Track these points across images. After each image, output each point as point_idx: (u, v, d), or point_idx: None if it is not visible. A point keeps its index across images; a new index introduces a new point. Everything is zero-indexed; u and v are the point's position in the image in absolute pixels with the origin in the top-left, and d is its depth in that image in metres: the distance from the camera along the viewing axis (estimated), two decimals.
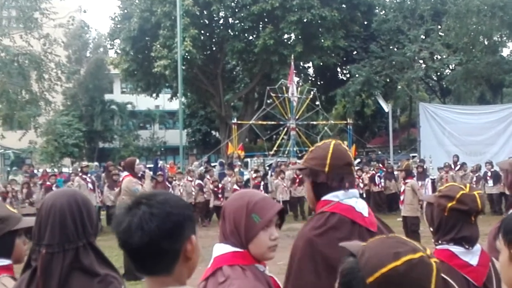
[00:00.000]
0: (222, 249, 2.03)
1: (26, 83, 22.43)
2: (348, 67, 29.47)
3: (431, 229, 2.55)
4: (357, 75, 27.37)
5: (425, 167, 17.15)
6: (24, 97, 22.40)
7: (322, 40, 26.96)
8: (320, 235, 2.31)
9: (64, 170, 25.55)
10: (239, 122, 25.54)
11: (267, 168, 21.11)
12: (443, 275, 2.37)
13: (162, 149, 42.83)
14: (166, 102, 37.70)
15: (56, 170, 24.81)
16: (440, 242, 2.49)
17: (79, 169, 15.78)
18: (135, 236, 1.41)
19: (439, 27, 27.81)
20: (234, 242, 2.02)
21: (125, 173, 8.72)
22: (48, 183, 14.71)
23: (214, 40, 30.48)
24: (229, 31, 29.07)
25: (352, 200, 2.39)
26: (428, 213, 2.56)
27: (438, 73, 32.82)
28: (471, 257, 2.45)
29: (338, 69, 34.45)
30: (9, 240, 2.52)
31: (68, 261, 2.06)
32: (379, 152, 26.49)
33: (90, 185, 14.26)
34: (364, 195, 16.23)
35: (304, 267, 2.32)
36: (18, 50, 21.71)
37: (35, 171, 21.23)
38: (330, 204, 2.39)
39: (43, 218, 2.13)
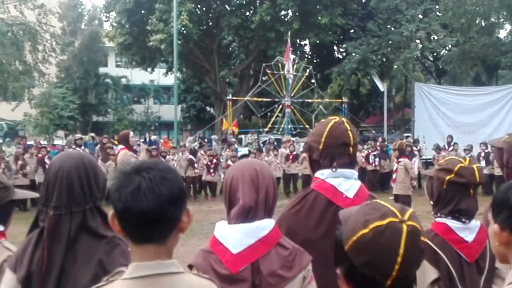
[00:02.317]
0: (267, 224, 2.03)
1: (20, 54, 22.22)
2: (344, 45, 29.31)
3: (431, 202, 2.58)
4: (353, 54, 27.25)
5: (417, 147, 17.22)
6: (18, 68, 22.19)
7: (319, 18, 26.73)
8: (293, 212, 2.34)
9: (58, 142, 25.48)
10: (234, 98, 25.45)
11: (261, 145, 21.14)
12: (434, 247, 2.41)
13: (156, 124, 42.76)
14: (161, 76, 37.47)
15: (48, 142, 24.71)
16: (438, 215, 2.51)
17: (73, 142, 15.74)
18: (145, 198, 1.39)
19: (437, 7, 27.65)
20: (272, 209, 2.07)
21: (120, 146, 8.72)
22: (40, 155, 14.64)
23: (210, 15, 30.20)
24: (226, 6, 28.79)
25: (337, 179, 2.38)
26: (429, 186, 2.58)
27: (434, 54, 32.72)
28: (468, 233, 2.46)
29: (335, 47, 34.27)
30: (9, 209, 2.57)
31: (76, 223, 2.08)
32: (373, 131, 26.52)
33: None
34: (359, 174, 16.27)
35: None
36: (12, 20, 21.43)
37: (28, 142, 21.19)
38: (316, 182, 2.42)
39: (50, 180, 2.14)
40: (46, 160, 14.46)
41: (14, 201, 2.66)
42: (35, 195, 9.20)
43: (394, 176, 11.33)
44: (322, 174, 2.40)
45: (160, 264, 1.44)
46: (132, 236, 1.46)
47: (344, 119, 2.48)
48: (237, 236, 1.97)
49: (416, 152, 16.50)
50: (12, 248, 2.43)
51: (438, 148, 17.33)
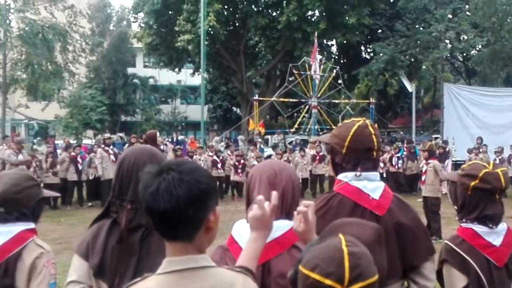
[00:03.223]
0: (284, 225, 2.01)
1: (51, 55, 22.62)
2: (372, 45, 29.05)
3: (455, 207, 2.54)
4: (381, 54, 26.98)
5: (447, 148, 16.96)
6: (49, 68, 22.61)
7: (347, 18, 26.53)
8: (319, 216, 2.27)
9: (87, 142, 25.86)
10: (260, 98, 25.46)
11: (288, 145, 21.10)
12: (462, 253, 2.38)
13: (183, 124, 43.02)
14: (188, 77, 37.68)
15: (77, 142, 25.08)
16: (464, 220, 2.48)
17: (102, 141, 15.96)
18: (162, 200, 1.43)
19: (467, 6, 27.18)
20: (290, 212, 2.01)
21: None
22: (73, 153, 14.92)
23: (237, 15, 30.26)
24: (253, 6, 28.80)
25: (362, 182, 2.35)
26: (452, 191, 2.54)
27: (464, 54, 32.14)
28: (495, 237, 2.43)
29: (362, 48, 34.01)
30: (42, 206, 2.64)
31: None
32: (401, 133, 26.21)
33: (112, 157, 14.41)
34: (384, 175, 16.16)
35: None
36: (42, 22, 21.84)
37: (56, 142, 21.54)
38: (339, 184, 2.40)
39: (125, 173, 2.18)
40: (78, 159, 14.72)
41: (44, 199, 2.73)
42: (57, 194, 9.31)
43: (423, 178, 11.17)
44: (346, 176, 2.38)
45: (191, 258, 1.49)
46: (161, 233, 1.52)
47: (368, 122, 2.44)
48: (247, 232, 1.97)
49: (448, 155, 16.29)
50: (44, 245, 2.49)
51: (476, 149, 16.96)
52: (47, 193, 2.85)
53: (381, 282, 1.63)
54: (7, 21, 21.93)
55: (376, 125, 2.46)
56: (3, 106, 23.38)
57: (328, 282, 1.29)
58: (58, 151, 16.27)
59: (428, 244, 2.37)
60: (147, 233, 2.12)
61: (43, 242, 2.51)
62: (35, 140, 20.49)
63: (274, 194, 1.81)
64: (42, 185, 2.73)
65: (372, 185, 2.36)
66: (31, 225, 2.53)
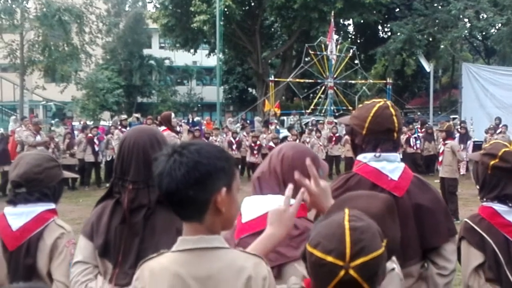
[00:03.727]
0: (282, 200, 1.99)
1: (67, 36, 22.70)
2: (389, 24, 28.68)
3: (477, 187, 2.54)
4: (398, 33, 26.63)
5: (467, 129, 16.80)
6: (65, 50, 22.71)
7: None
8: (337, 196, 2.28)
9: (104, 123, 26.04)
10: (276, 79, 25.36)
11: (304, 126, 21.04)
12: (480, 231, 2.38)
13: (199, 105, 43.05)
14: (204, 58, 37.58)
15: (94, 123, 25.28)
16: (484, 199, 2.47)
17: (119, 123, 16.07)
18: (164, 182, 1.48)
19: None
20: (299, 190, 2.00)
21: (163, 127, 8.82)
22: (90, 135, 15.04)
23: None
24: None
25: (380, 163, 2.34)
26: (474, 171, 2.56)
27: (483, 33, 31.57)
28: None
29: (379, 27, 33.60)
30: (62, 187, 2.67)
31: (154, 197, 2.14)
32: (419, 113, 25.97)
33: None
34: (401, 156, 16.05)
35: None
36: (59, 3, 21.89)
37: (75, 123, 21.74)
38: (358, 165, 2.39)
39: (125, 154, 2.19)
40: (95, 140, 14.85)
41: (64, 179, 2.76)
42: (76, 176, 9.53)
43: (440, 158, 11.09)
44: (365, 157, 2.37)
45: (203, 238, 1.51)
46: (174, 212, 1.56)
47: (389, 103, 2.42)
48: (249, 207, 1.98)
49: (470, 135, 16.14)
50: (65, 226, 2.52)
51: (491, 129, 16.76)
52: (67, 174, 2.88)
53: (396, 253, 1.63)
54: (24, 2, 22.03)
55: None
56: (21, 87, 23.60)
57: (329, 259, 1.31)
58: (75, 132, 16.39)
59: (449, 225, 2.35)
60: (150, 213, 2.14)
61: (63, 223, 2.55)
62: (53, 122, 20.67)
63: (290, 187, 1.78)
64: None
65: (391, 166, 2.35)
66: (52, 206, 2.57)
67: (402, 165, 2.39)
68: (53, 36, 21.99)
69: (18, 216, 2.48)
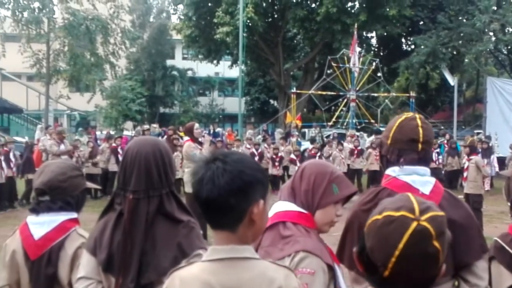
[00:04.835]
0: (286, 206, 2.07)
1: (93, 47, 23.01)
2: (413, 37, 28.48)
3: (508, 204, 2.48)
4: (422, 46, 26.42)
5: (490, 144, 16.51)
6: (90, 60, 23.01)
7: (387, 9, 26.08)
8: (366, 210, 2.27)
9: (126, 133, 26.29)
10: (298, 91, 25.33)
11: (325, 139, 20.95)
12: (506, 246, 2.31)
13: (221, 116, 43.22)
14: (226, 69, 37.81)
15: (117, 133, 25.53)
16: None
17: (141, 133, 16.18)
18: (205, 188, 1.48)
19: None
20: (304, 202, 2.06)
21: (186, 138, 8.86)
22: (113, 144, 15.17)
23: (276, 7, 30.14)
24: None
25: (410, 176, 2.31)
26: (506, 187, 2.49)
27: (509, 47, 31.16)
28: None
29: (403, 40, 33.39)
30: (84, 196, 2.67)
31: (153, 207, 2.14)
32: (442, 127, 25.67)
33: None
34: None
35: (347, 239, 2.36)
36: (85, 13, 22.23)
37: (98, 133, 21.98)
38: (387, 179, 2.36)
39: (128, 164, 2.19)
40: (119, 150, 14.96)
41: (87, 189, 2.76)
42: (99, 187, 9.59)
43: (465, 174, 10.90)
44: (394, 171, 2.35)
45: (234, 248, 1.51)
46: (207, 221, 1.56)
47: (417, 115, 2.41)
48: None
49: (493, 150, 15.88)
50: (86, 235, 2.51)
51: None
52: (90, 185, 2.89)
53: None
54: (51, 11, 22.41)
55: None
56: (46, 96, 23.96)
57: (400, 213, 1.32)
58: (99, 142, 16.56)
59: (481, 242, 2.30)
60: (150, 223, 2.13)
61: (85, 232, 2.54)
62: (78, 130, 20.94)
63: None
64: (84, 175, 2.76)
65: (421, 180, 2.31)
66: (74, 215, 2.56)
67: (433, 179, 2.36)
68: (79, 46, 22.31)
69: (41, 225, 2.48)
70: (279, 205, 2.07)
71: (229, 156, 1.53)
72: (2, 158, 12.66)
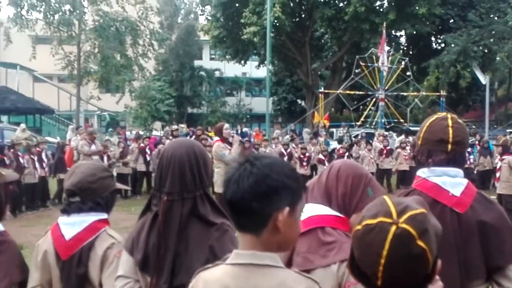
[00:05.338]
0: (321, 209, 2.03)
1: (122, 48, 23.32)
2: (443, 36, 28.08)
3: None
4: (452, 45, 26.03)
5: None
6: (120, 61, 23.32)
7: (417, 8, 25.81)
8: None
9: (155, 133, 26.55)
10: (326, 91, 25.24)
11: (353, 139, 20.79)
12: None
13: (248, 116, 43.30)
14: (253, 69, 37.86)
15: (146, 133, 25.82)
16: None
17: (170, 133, 16.30)
18: (230, 189, 1.48)
19: None
20: (340, 205, 2.02)
21: (216, 138, 8.90)
22: (141, 145, 15.32)
23: (303, 6, 30.08)
24: None
25: (441, 178, 2.25)
26: None
27: None
28: None
29: (432, 38, 32.99)
30: (114, 197, 2.69)
31: (187, 209, 2.15)
32: (473, 127, 25.22)
33: None
34: None
35: None
36: (114, 15, 22.54)
37: (128, 133, 22.25)
38: (417, 181, 2.31)
39: (163, 167, 2.21)
40: (147, 150, 15.11)
41: (117, 189, 2.78)
42: (128, 188, 9.71)
43: (497, 174, 10.68)
44: (423, 172, 2.29)
45: (255, 254, 1.48)
46: (233, 222, 1.56)
47: (449, 115, 2.34)
48: None
49: None
50: (116, 236, 2.53)
51: None
52: (119, 186, 2.91)
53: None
54: (82, 14, 22.79)
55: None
56: (77, 97, 24.37)
57: (377, 220, 1.30)
58: (129, 142, 16.75)
59: None
60: (183, 226, 2.14)
61: (114, 233, 2.56)
62: (109, 130, 21.24)
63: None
64: (115, 175, 2.79)
65: (452, 181, 2.25)
66: (104, 216, 2.58)
67: (465, 181, 2.29)
68: (109, 48, 22.62)
69: (71, 225, 2.50)
70: (312, 209, 2.02)
71: (260, 160, 1.50)
72: (36, 158, 12.92)
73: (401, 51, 33.11)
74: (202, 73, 39.73)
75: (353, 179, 2.06)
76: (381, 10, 27.26)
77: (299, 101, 40.18)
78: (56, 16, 22.51)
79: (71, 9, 22.46)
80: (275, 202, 1.46)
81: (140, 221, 2.27)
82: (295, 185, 1.50)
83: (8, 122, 26.48)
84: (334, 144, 20.68)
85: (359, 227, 1.32)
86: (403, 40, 34.90)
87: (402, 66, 24.04)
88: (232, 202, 1.48)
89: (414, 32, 27.73)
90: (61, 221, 2.54)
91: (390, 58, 24.89)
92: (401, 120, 23.45)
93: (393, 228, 1.26)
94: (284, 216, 1.46)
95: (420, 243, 1.26)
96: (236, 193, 1.46)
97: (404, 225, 1.26)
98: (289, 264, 1.97)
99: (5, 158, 11.85)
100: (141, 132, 21.26)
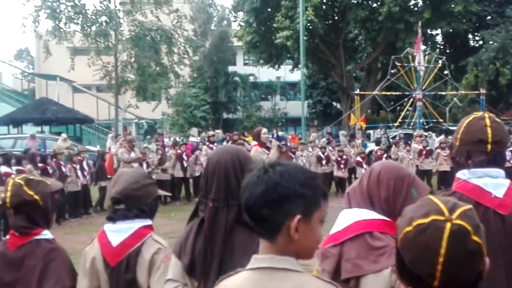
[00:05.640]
0: (367, 214, 2.01)
1: (158, 57, 23.65)
2: (480, 33, 27.46)
3: None
4: (491, 42, 25.44)
5: None
6: (156, 69, 23.65)
7: (453, 5, 25.34)
8: None
9: (192, 139, 26.82)
10: (361, 93, 25.01)
11: (391, 140, 20.53)
12: None
13: (283, 120, 43.26)
14: (287, 73, 37.83)
15: (183, 140, 26.09)
16: None
17: (206, 139, 16.43)
18: (244, 195, 1.49)
19: None
20: (385, 209, 2.00)
21: (254, 142, 8.94)
22: (178, 151, 15.49)
23: (336, 9, 29.94)
24: None
25: (482, 179, 2.20)
26: None
27: None
28: None
29: (470, 36, 32.29)
30: (157, 203, 2.74)
31: (232, 215, 2.17)
32: None
33: None
34: None
35: None
36: (150, 25, 22.90)
37: (166, 140, 22.53)
38: (458, 183, 2.27)
39: (209, 173, 2.25)
40: (184, 156, 15.26)
41: (159, 196, 2.84)
42: (169, 194, 9.84)
43: None
44: (464, 174, 2.25)
45: (273, 258, 1.48)
46: (254, 226, 1.55)
47: (486, 114, 2.30)
48: (338, 220, 2.06)
49: None
50: (161, 241, 2.58)
51: None
52: (161, 192, 2.97)
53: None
54: (118, 24, 23.23)
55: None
56: (116, 106, 24.84)
57: (430, 218, 1.27)
58: (166, 148, 16.95)
59: None
60: (228, 233, 2.16)
61: (160, 238, 2.61)
62: (147, 138, 21.54)
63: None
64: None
65: (494, 182, 2.20)
66: (149, 222, 2.64)
67: (507, 181, 2.24)
68: (145, 57, 22.98)
69: (118, 232, 2.56)
70: (357, 213, 2.00)
71: (275, 167, 1.49)
72: (77, 167, 13.24)
73: (437, 50, 32.52)
74: (237, 78, 39.93)
75: (395, 181, 2.04)
76: (416, 9, 26.91)
77: (334, 103, 39.95)
78: (93, 28, 22.96)
79: (107, 20, 22.87)
80: (285, 210, 1.44)
81: (188, 226, 2.31)
82: (310, 193, 1.47)
83: (49, 132, 27.11)
84: (371, 146, 20.47)
85: (409, 228, 1.29)
86: (439, 38, 34.32)
87: (439, 65, 23.63)
88: (246, 208, 1.50)
89: (451, 30, 27.24)
90: (107, 228, 2.60)
91: (426, 57, 24.52)
92: (440, 120, 23.03)
93: (448, 225, 1.25)
94: (294, 223, 1.44)
95: (476, 238, 1.26)
96: (249, 200, 1.47)
97: (458, 221, 1.26)
98: (336, 271, 1.96)
99: (48, 168, 12.20)
100: (178, 139, 21.49)
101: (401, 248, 1.32)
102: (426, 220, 1.27)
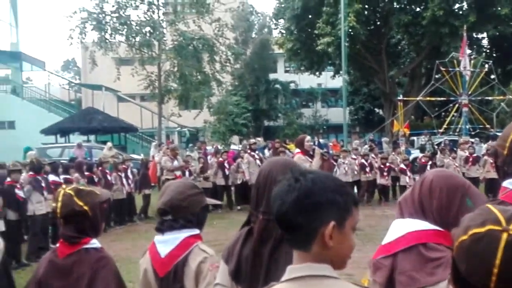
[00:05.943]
0: (419, 225, 1.96)
1: (200, 65, 23.93)
2: None
3: None
4: None
5: None
6: (198, 78, 23.93)
7: (499, 8, 24.72)
8: None
9: (233, 147, 26.97)
10: (405, 98, 24.62)
11: (436, 147, 20.10)
12: None
13: (325, 127, 43.03)
14: (328, 79, 37.67)
15: (225, 147, 26.25)
16: None
17: (248, 146, 16.49)
18: (276, 204, 1.47)
19: None
20: (437, 220, 1.95)
21: (297, 150, 8.91)
22: (220, 159, 15.58)
23: (378, 14, 29.65)
24: (395, 3, 28.01)
25: None
26: None
27: None
28: None
29: None
30: (205, 213, 2.76)
31: None
32: None
33: (258, 162, 14.79)
34: None
35: None
36: (191, 34, 23.21)
37: (209, 147, 22.74)
38: (504, 192, 2.16)
39: (260, 185, 2.26)
40: (225, 164, 15.33)
41: (207, 205, 2.85)
42: (219, 202, 9.90)
43: None
44: (511, 183, 2.15)
45: (310, 266, 1.46)
46: (286, 238, 1.54)
47: None
48: (390, 230, 2.03)
49: None
50: (208, 250, 2.60)
51: None
52: (209, 200, 2.98)
53: None
54: (161, 34, 23.64)
55: None
56: (159, 115, 25.24)
57: (486, 228, 1.23)
58: (208, 156, 17.09)
59: None
60: (276, 245, 2.16)
61: (206, 247, 2.62)
62: (189, 146, 21.77)
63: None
64: None
65: None
66: (196, 231, 2.66)
67: None
68: (187, 66, 23.28)
69: (165, 243, 2.60)
70: (410, 224, 1.96)
71: (305, 175, 1.48)
72: (123, 175, 13.48)
73: (483, 53, 31.74)
74: (277, 86, 40.01)
75: (447, 191, 1.98)
76: (461, 12, 26.34)
77: (376, 110, 39.50)
78: (138, 38, 23.43)
79: (151, 31, 23.33)
80: (319, 217, 1.44)
81: (237, 232, 2.35)
82: (342, 200, 1.47)
83: (95, 141, 27.77)
84: (415, 153, 20.10)
85: (465, 237, 1.26)
86: (485, 42, 33.49)
87: (486, 69, 23.01)
88: (277, 218, 1.47)
89: (497, 34, 26.55)
90: (157, 240, 2.64)
91: (472, 61, 23.95)
92: (487, 126, 22.43)
93: (505, 235, 1.21)
94: (329, 230, 1.43)
95: None
96: (281, 208, 1.45)
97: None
98: (390, 283, 1.92)
99: (94, 176, 12.47)
100: (219, 147, 21.63)
101: (456, 257, 1.29)
102: (482, 230, 1.24)
